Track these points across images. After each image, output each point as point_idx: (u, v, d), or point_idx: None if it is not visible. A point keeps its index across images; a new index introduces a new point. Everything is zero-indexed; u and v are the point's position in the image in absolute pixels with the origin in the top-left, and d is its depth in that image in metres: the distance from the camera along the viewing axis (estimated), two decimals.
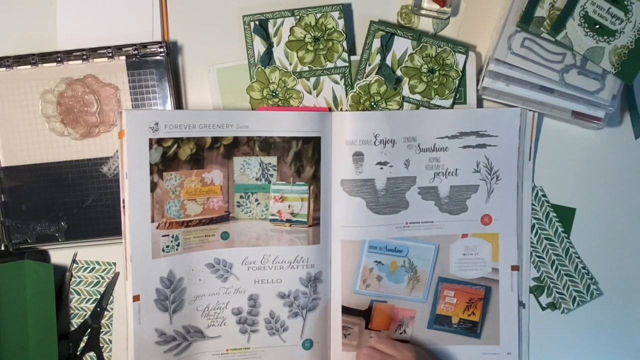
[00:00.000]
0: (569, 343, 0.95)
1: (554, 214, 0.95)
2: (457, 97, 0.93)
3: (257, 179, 0.90)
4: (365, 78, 0.92)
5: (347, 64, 0.92)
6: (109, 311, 0.93)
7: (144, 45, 0.90)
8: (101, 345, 0.93)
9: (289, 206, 0.90)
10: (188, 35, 0.94)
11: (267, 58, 0.91)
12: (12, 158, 0.90)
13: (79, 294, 0.93)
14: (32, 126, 0.90)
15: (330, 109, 0.92)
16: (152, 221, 0.84)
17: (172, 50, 0.94)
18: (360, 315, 0.92)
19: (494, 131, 0.92)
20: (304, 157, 0.90)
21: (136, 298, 0.83)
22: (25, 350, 0.86)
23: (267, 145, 0.89)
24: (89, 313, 0.93)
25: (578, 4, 0.86)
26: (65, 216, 0.90)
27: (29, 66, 0.90)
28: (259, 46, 0.91)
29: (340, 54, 0.92)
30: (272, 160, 0.89)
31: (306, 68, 0.92)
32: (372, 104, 0.92)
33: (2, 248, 0.91)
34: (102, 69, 0.90)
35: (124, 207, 0.83)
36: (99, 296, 0.93)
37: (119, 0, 0.92)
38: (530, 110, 0.92)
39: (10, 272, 0.87)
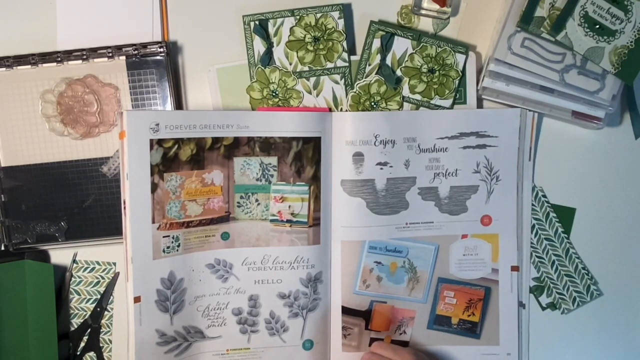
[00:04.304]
0: (569, 343, 0.95)
1: (554, 214, 0.95)
2: (457, 97, 0.93)
3: (257, 180, 0.90)
4: (365, 78, 0.92)
5: (347, 64, 0.92)
6: (109, 311, 0.93)
7: (144, 45, 0.90)
8: (101, 345, 0.93)
9: (289, 206, 0.90)
10: (188, 35, 0.94)
11: (267, 58, 0.91)
12: (12, 158, 0.90)
13: (79, 294, 0.93)
14: (32, 126, 0.90)
15: (330, 109, 0.92)
16: (153, 222, 0.84)
17: (172, 50, 0.93)
18: (360, 316, 0.92)
19: (493, 131, 0.92)
20: (304, 157, 0.90)
21: (137, 299, 0.83)
22: (25, 350, 0.86)
23: (267, 145, 0.89)
24: (89, 313, 0.93)
25: (578, 4, 0.86)
26: (65, 216, 0.90)
27: (29, 66, 0.89)
28: (259, 46, 0.91)
29: (340, 54, 0.92)
30: (273, 160, 0.89)
31: (306, 68, 0.92)
32: (372, 104, 0.92)
33: (2, 248, 0.91)
34: (102, 69, 0.90)
35: (124, 208, 0.83)
36: (99, 296, 0.93)
37: (119, 0, 0.92)
38: (530, 110, 0.92)
39: (10, 272, 0.87)
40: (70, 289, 0.93)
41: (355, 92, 0.92)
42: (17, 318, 0.86)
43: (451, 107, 0.93)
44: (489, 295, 0.93)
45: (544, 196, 0.95)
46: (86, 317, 0.93)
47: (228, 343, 0.90)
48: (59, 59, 0.90)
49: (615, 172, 0.96)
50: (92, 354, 0.93)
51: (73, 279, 0.93)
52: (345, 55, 0.92)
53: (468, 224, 0.93)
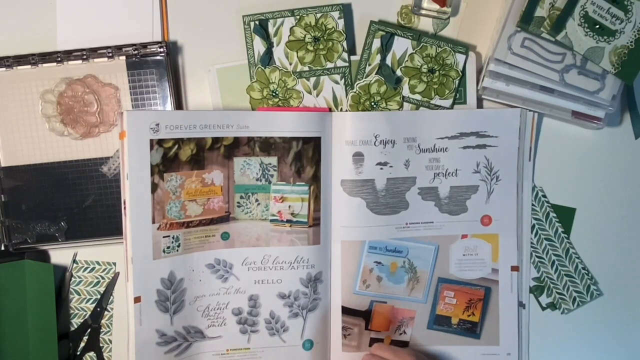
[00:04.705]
0: (569, 343, 0.95)
1: (554, 214, 0.95)
2: (457, 97, 0.93)
3: (257, 180, 0.90)
4: (365, 78, 0.92)
5: (347, 64, 0.92)
6: (109, 311, 0.93)
7: (144, 45, 0.90)
8: (101, 345, 0.93)
9: (289, 206, 0.90)
10: (188, 35, 0.94)
11: (267, 58, 0.91)
12: (12, 158, 0.90)
13: (79, 294, 0.93)
14: (32, 126, 0.90)
15: (330, 109, 0.92)
16: (153, 222, 0.84)
17: (172, 50, 0.93)
18: (360, 316, 0.92)
19: (493, 131, 0.92)
20: (304, 157, 0.90)
21: (137, 299, 0.83)
22: (25, 350, 0.86)
23: (267, 145, 0.89)
24: (89, 313, 0.93)
25: (578, 4, 0.86)
26: (65, 216, 0.90)
27: (29, 66, 0.89)
28: (259, 46, 0.91)
29: (340, 54, 0.92)
30: (273, 160, 0.89)
31: (306, 68, 0.92)
32: (372, 104, 0.92)
33: (2, 248, 0.91)
34: (102, 69, 0.90)
35: (124, 208, 0.83)
36: (99, 296, 0.93)
37: (119, 0, 0.92)
38: (530, 110, 0.92)
39: (10, 272, 0.87)
40: (70, 289, 0.93)
41: (355, 92, 0.92)
42: (17, 318, 0.86)
43: (451, 107, 0.93)
44: (489, 295, 0.93)
45: (544, 196, 0.95)
46: (86, 317, 0.93)
47: (228, 343, 0.90)
48: (59, 59, 0.90)
49: (615, 172, 0.96)
50: (92, 354, 0.93)
51: (73, 279, 0.93)
52: (345, 55, 0.92)
53: (468, 224, 0.93)
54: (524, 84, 0.91)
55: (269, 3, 0.93)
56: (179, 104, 0.92)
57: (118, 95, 0.91)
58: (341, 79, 0.92)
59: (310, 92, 0.92)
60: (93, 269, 0.93)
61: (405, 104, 0.93)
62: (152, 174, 0.84)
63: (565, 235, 0.95)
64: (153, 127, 0.83)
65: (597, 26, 0.86)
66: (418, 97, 0.93)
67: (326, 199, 0.91)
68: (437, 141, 0.91)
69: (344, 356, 0.92)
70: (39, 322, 0.88)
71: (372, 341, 0.92)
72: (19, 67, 0.90)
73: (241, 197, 0.90)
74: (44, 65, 0.90)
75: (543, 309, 0.95)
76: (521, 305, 0.94)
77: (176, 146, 0.85)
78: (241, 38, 0.92)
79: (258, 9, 0.92)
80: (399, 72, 0.92)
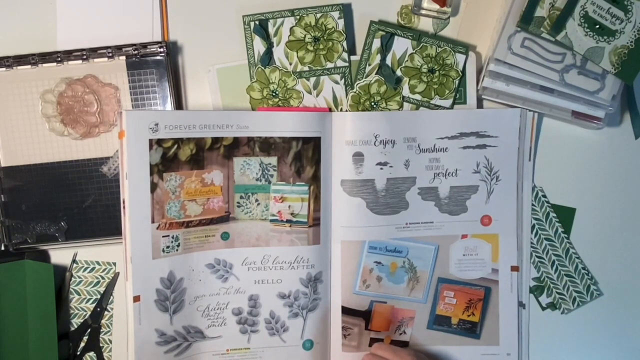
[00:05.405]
0: (569, 343, 0.95)
1: (554, 214, 0.95)
2: (457, 97, 0.93)
3: (257, 180, 0.90)
4: (365, 78, 0.92)
5: (347, 64, 0.92)
6: (109, 311, 0.93)
7: (144, 45, 0.90)
8: (101, 345, 0.93)
9: (289, 206, 0.90)
10: (188, 35, 0.94)
11: (267, 58, 0.91)
12: (12, 158, 0.90)
13: (79, 294, 0.93)
14: (32, 126, 0.90)
15: (330, 109, 0.92)
16: (153, 222, 0.84)
17: (172, 50, 0.93)
18: (360, 316, 0.92)
19: (493, 132, 0.92)
20: (304, 157, 0.90)
21: (136, 299, 0.84)
22: (25, 350, 0.86)
23: (267, 145, 0.89)
24: (89, 313, 0.93)
25: (578, 4, 0.86)
26: (65, 216, 0.90)
27: (29, 66, 0.90)
28: (259, 46, 0.91)
29: (340, 54, 0.92)
30: (272, 160, 0.89)
31: (306, 68, 0.92)
32: (372, 104, 0.92)
33: (2, 248, 0.91)
34: (102, 69, 0.90)
35: (124, 207, 0.83)
36: (99, 296, 0.93)
37: (119, 0, 0.92)
38: (530, 110, 0.92)
39: (10, 272, 0.87)
40: (70, 289, 0.93)
41: (355, 92, 0.92)
42: (17, 318, 0.86)
43: (451, 107, 0.93)
44: (488, 295, 0.93)
45: (544, 196, 0.95)
46: (86, 317, 0.93)
47: (228, 343, 0.90)
48: (59, 59, 0.90)
49: (615, 172, 0.96)
50: (92, 354, 0.93)
51: (73, 279, 0.93)
52: (345, 55, 0.92)
53: (468, 224, 0.93)
54: (524, 84, 0.91)
55: (269, 3, 0.93)
56: (179, 104, 0.92)
57: (118, 95, 0.91)
58: (341, 79, 0.92)
59: (310, 92, 0.92)
60: (93, 269, 0.93)
61: (405, 104, 0.93)
62: (152, 174, 0.84)
63: (565, 235, 0.95)
64: (152, 127, 0.83)
65: (597, 26, 0.86)
66: (418, 97, 0.93)
67: (326, 199, 0.91)
68: (437, 141, 0.91)
69: (344, 356, 0.92)
70: (39, 322, 0.87)
71: (372, 341, 0.92)
72: (19, 67, 0.90)
73: (241, 197, 0.90)
74: (44, 65, 0.90)
75: (543, 309, 0.95)
76: (521, 305, 0.94)
77: (175, 146, 0.85)
78: (241, 38, 0.92)
79: (258, 9, 0.92)
80: (399, 72, 0.92)
